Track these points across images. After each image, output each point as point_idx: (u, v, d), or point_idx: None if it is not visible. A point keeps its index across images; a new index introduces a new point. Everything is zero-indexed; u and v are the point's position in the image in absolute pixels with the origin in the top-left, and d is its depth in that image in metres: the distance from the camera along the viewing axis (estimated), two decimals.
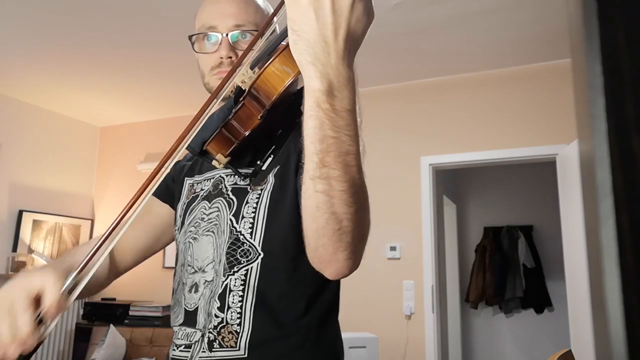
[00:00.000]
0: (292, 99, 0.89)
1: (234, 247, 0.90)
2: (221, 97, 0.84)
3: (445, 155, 3.76)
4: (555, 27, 3.08)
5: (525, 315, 5.48)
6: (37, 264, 4.26)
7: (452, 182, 5.58)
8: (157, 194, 1.09)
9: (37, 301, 0.66)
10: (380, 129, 3.86)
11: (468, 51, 3.46)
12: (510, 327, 5.54)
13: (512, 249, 5.49)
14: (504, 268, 5.45)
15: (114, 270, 1.02)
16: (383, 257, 3.73)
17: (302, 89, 0.92)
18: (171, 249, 1.10)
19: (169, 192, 1.10)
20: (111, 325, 4.06)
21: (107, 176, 5.04)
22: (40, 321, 0.65)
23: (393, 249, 3.73)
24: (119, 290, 4.73)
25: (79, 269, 0.69)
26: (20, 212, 4.32)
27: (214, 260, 0.92)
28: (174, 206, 1.09)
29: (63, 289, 0.67)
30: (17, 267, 4.20)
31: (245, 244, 0.89)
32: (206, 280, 0.92)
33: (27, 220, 4.36)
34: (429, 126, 3.85)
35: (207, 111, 0.77)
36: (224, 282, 0.89)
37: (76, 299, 0.80)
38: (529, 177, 5.49)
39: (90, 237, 4.83)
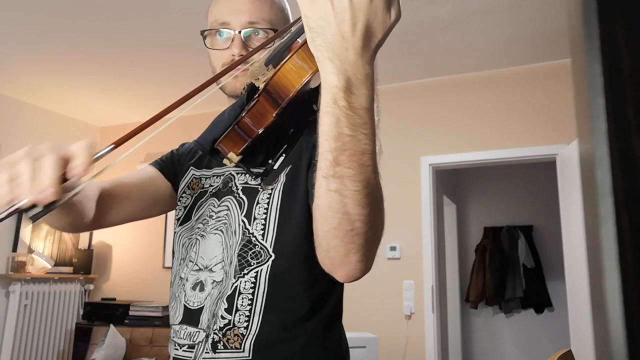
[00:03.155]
0: (306, 98, 0.87)
1: (246, 249, 0.88)
2: (220, 85, 0.82)
3: (445, 155, 3.76)
4: (555, 27, 3.08)
5: (525, 315, 5.48)
6: (37, 264, 4.26)
7: (452, 182, 5.58)
8: (162, 169, 1.08)
9: (65, 163, 0.62)
10: (381, 129, 3.86)
11: (468, 51, 3.46)
12: (510, 327, 5.54)
13: (512, 249, 5.49)
14: (504, 268, 5.45)
15: (97, 216, 0.96)
16: (383, 257, 3.73)
17: (316, 87, 0.92)
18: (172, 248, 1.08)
19: (174, 172, 1.08)
20: (111, 325, 4.06)
21: (107, 176, 5.04)
22: (63, 181, 0.62)
23: (393, 249, 3.73)
24: (119, 290, 4.73)
25: (114, 143, 0.66)
26: (20, 212, 4.31)
27: (223, 261, 0.91)
28: (175, 187, 1.07)
29: (95, 156, 0.64)
30: (17, 267, 4.20)
31: (257, 246, 0.88)
32: (214, 281, 0.91)
33: (27, 220, 4.36)
34: (429, 126, 3.85)
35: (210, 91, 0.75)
36: (233, 284, 0.88)
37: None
38: (529, 177, 5.49)
39: (90, 237, 4.83)
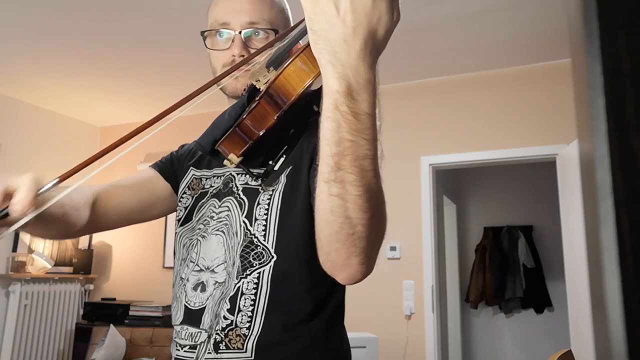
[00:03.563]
0: (307, 99, 0.87)
1: (248, 249, 0.88)
2: (221, 86, 0.82)
3: (445, 155, 3.76)
4: (555, 27, 3.08)
5: (525, 315, 5.48)
6: (37, 264, 4.26)
7: (452, 182, 5.58)
8: (161, 171, 1.08)
9: (6, 197, 0.62)
10: (382, 132, 3.85)
11: (468, 51, 3.46)
12: (510, 327, 5.54)
13: (512, 249, 5.49)
14: (504, 268, 5.45)
15: (93, 220, 0.95)
16: (383, 257, 3.72)
17: (317, 89, 0.92)
18: (172, 248, 1.08)
19: (173, 173, 1.08)
20: (111, 325, 4.06)
21: (107, 176, 5.04)
22: (4, 216, 0.61)
23: (393, 249, 3.73)
24: (119, 290, 4.73)
25: (59, 177, 0.65)
26: None
27: (225, 262, 0.91)
28: (175, 188, 1.07)
29: (39, 191, 0.63)
30: (17, 267, 4.20)
31: (258, 247, 0.88)
32: (217, 282, 0.91)
33: None
34: (429, 126, 3.85)
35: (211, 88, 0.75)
36: (236, 284, 0.88)
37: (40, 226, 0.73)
38: (529, 177, 5.49)
39: (90, 237, 4.83)
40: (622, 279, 0.21)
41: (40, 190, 0.63)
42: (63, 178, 0.65)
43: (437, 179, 3.93)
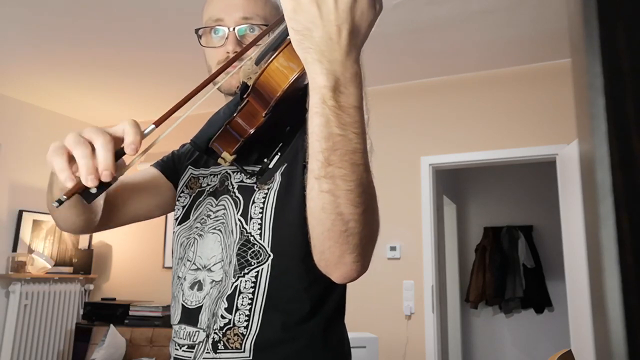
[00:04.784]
0: (300, 94, 0.87)
1: (245, 248, 0.88)
2: (218, 86, 0.83)
3: (445, 155, 3.76)
4: (555, 27, 3.08)
5: (525, 315, 5.48)
6: (37, 264, 4.26)
7: (452, 182, 5.58)
8: (163, 169, 1.09)
9: (117, 143, 0.64)
10: (380, 129, 3.86)
11: (468, 51, 3.46)
12: (510, 327, 5.54)
13: (512, 249, 5.49)
14: (504, 268, 5.45)
15: (102, 217, 0.97)
16: (383, 257, 3.73)
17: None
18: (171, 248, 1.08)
19: (175, 171, 1.09)
20: (111, 325, 4.06)
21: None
22: (121, 155, 0.64)
23: (393, 249, 3.73)
24: (119, 290, 4.73)
25: (154, 122, 0.69)
26: (20, 212, 4.32)
27: (222, 260, 0.90)
28: (176, 186, 1.08)
29: (144, 131, 0.67)
30: (17, 267, 4.20)
31: (255, 245, 0.88)
32: (213, 280, 0.90)
33: (27, 220, 4.36)
34: (429, 126, 3.85)
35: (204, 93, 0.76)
36: (233, 283, 0.87)
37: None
38: (529, 177, 5.49)
39: (90, 237, 4.83)
40: (622, 279, 0.21)
41: (145, 133, 0.66)
42: (157, 123, 0.69)
43: (437, 179, 3.93)
